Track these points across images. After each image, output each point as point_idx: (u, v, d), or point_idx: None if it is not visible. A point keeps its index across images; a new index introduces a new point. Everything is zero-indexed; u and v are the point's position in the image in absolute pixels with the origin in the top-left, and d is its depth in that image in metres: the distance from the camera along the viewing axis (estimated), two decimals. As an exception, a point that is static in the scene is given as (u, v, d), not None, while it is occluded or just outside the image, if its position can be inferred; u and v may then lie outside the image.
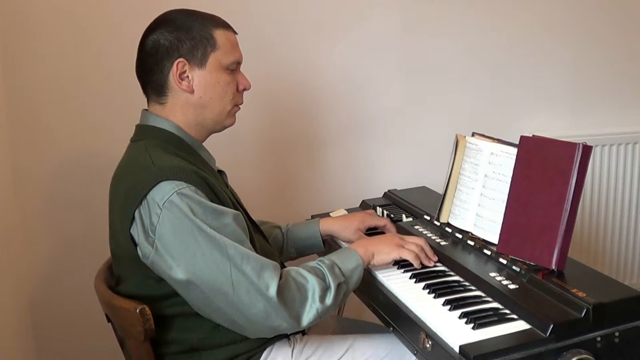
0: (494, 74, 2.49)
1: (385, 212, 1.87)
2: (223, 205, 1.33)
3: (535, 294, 1.26)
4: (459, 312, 1.25)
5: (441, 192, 1.65)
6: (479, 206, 1.52)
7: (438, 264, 1.50)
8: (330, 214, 1.93)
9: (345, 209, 1.97)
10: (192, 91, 1.40)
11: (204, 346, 1.35)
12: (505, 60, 2.49)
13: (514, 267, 1.36)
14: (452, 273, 1.45)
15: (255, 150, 2.26)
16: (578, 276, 1.30)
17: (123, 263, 1.38)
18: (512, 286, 1.30)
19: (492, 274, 1.36)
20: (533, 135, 1.42)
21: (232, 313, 1.27)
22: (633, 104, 2.68)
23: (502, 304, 1.27)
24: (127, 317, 1.31)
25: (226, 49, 1.42)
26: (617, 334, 1.16)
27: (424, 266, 1.48)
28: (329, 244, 1.74)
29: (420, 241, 1.50)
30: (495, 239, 1.45)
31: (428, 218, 1.71)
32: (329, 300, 1.31)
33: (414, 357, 1.31)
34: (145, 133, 1.43)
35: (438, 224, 1.65)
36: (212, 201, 1.30)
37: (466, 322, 1.21)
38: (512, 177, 1.42)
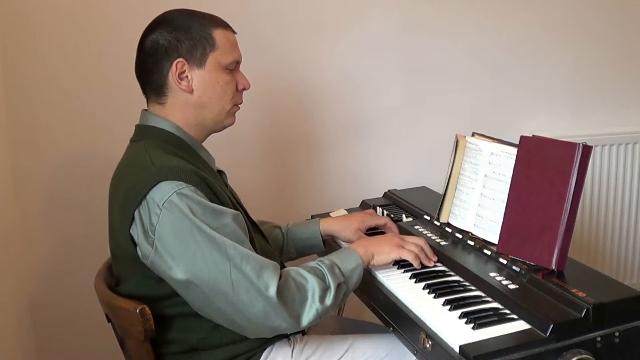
0: (494, 74, 2.49)
1: (385, 212, 1.87)
2: (223, 205, 1.33)
3: (535, 294, 1.26)
4: (459, 312, 1.25)
5: (441, 192, 1.65)
6: (479, 206, 1.52)
7: (438, 264, 1.50)
8: (330, 214, 1.93)
9: (345, 209, 1.97)
10: (191, 91, 1.40)
11: (204, 346, 1.35)
12: (505, 60, 2.49)
13: (514, 267, 1.36)
14: (452, 273, 1.45)
15: (255, 150, 2.26)
16: (578, 276, 1.30)
17: (123, 263, 1.38)
18: (512, 286, 1.30)
19: (492, 274, 1.36)
20: (533, 135, 1.42)
21: (232, 313, 1.27)
22: (633, 104, 2.68)
23: (502, 304, 1.27)
24: (127, 317, 1.31)
25: (225, 49, 1.42)
26: (617, 334, 1.16)
27: (424, 266, 1.48)
28: (329, 244, 1.74)
29: (420, 241, 1.50)
30: (495, 239, 1.45)
31: (428, 218, 1.71)
32: (328, 300, 1.31)
33: (414, 357, 1.31)
34: (144, 133, 1.43)
35: (438, 224, 1.65)
36: (211, 201, 1.30)
37: (466, 322, 1.21)
38: (512, 177, 1.42)
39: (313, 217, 1.93)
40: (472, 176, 1.55)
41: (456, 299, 1.31)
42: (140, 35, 1.42)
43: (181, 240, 1.25)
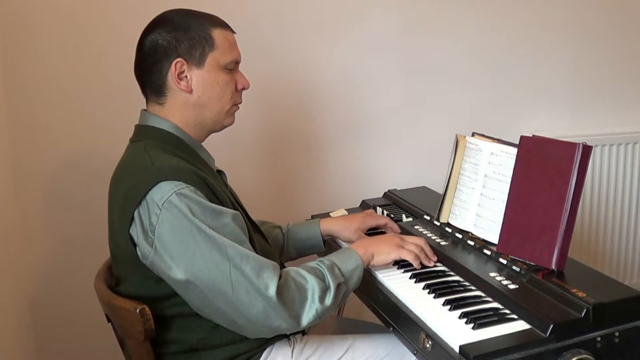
0: (494, 74, 2.49)
1: (385, 212, 1.87)
2: (222, 205, 1.33)
3: (535, 294, 1.26)
4: (459, 312, 1.25)
5: (441, 192, 1.65)
6: (479, 206, 1.52)
7: (438, 264, 1.50)
8: (331, 214, 1.93)
9: (345, 209, 1.97)
10: (190, 91, 1.40)
11: (204, 346, 1.35)
12: (505, 60, 2.49)
13: (514, 267, 1.36)
14: (452, 273, 1.45)
15: (254, 150, 2.26)
16: (578, 276, 1.30)
17: (123, 263, 1.38)
18: (512, 286, 1.30)
19: (492, 274, 1.36)
20: (533, 135, 1.42)
21: (232, 313, 1.27)
22: (633, 104, 2.68)
23: (502, 304, 1.27)
24: (127, 317, 1.31)
25: (224, 49, 1.41)
26: (617, 334, 1.16)
27: (424, 266, 1.48)
28: (330, 244, 1.74)
29: (420, 241, 1.50)
30: (495, 239, 1.45)
31: (428, 218, 1.71)
32: (328, 300, 1.31)
33: (414, 357, 1.31)
34: (144, 133, 1.43)
35: (438, 224, 1.65)
36: (211, 201, 1.30)
37: (466, 322, 1.21)
38: (512, 177, 1.42)
39: (313, 217, 1.93)
40: (472, 176, 1.55)
41: (456, 299, 1.31)
42: (140, 35, 1.42)
43: (181, 240, 1.25)
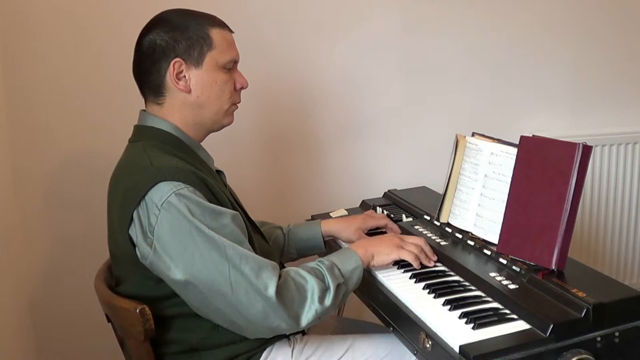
0: (494, 74, 2.49)
1: (385, 212, 1.87)
2: (221, 205, 1.33)
3: (535, 294, 1.26)
4: (459, 312, 1.25)
5: (441, 192, 1.65)
6: (479, 206, 1.52)
7: (438, 264, 1.50)
8: (331, 214, 1.93)
9: (345, 209, 1.97)
10: (189, 91, 1.40)
11: (204, 346, 1.35)
12: (505, 60, 2.49)
13: (514, 267, 1.35)
14: (452, 273, 1.45)
15: (254, 150, 2.26)
16: (578, 276, 1.30)
17: (122, 264, 1.38)
18: (512, 286, 1.30)
19: (492, 274, 1.36)
20: (533, 135, 1.42)
21: (231, 313, 1.27)
22: (633, 104, 2.68)
23: (502, 304, 1.27)
24: (127, 317, 1.31)
25: (222, 48, 1.41)
26: (617, 334, 1.16)
27: (424, 266, 1.48)
28: (330, 245, 1.74)
29: (419, 241, 1.50)
30: (495, 239, 1.45)
31: (428, 218, 1.71)
32: (328, 301, 1.31)
33: (414, 357, 1.31)
34: (143, 134, 1.43)
35: (438, 224, 1.65)
36: (210, 201, 1.30)
37: (466, 322, 1.21)
38: (512, 177, 1.42)
39: (313, 217, 1.94)
40: (472, 176, 1.55)
41: (456, 299, 1.31)
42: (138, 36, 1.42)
43: (180, 240, 1.25)
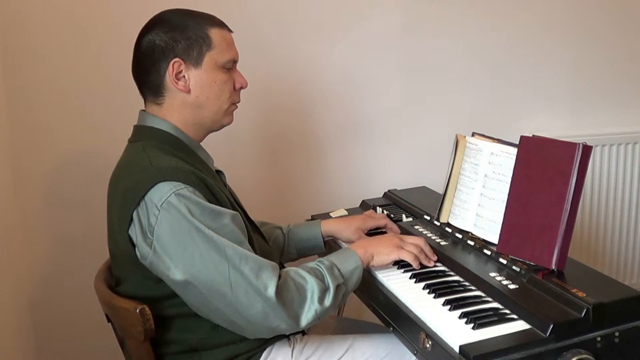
0: (494, 74, 2.49)
1: (385, 212, 1.87)
2: (221, 205, 1.33)
3: (535, 294, 1.26)
4: (459, 312, 1.25)
5: (441, 192, 1.65)
6: (479, 206, 1.52)
7: (438, 264, 1.50)
8: (331, 214, 1.93)
9: (345, 209, 1.97)
10: (188, 91, 1.40)
11: (204, 346, 1.35)
12: (505, 60, 2.49)
13: (514, 267, 1.35)
14: (452, 273, 1.45)
15: (253, 150, 2.26)
16: (578, 276, 1.30)
17: (122, 264, 1.38)
18: (512, 286, 1.30)
19: (492, 274, 1.36)
20: (533, 135, 1.42)
21: (231, 314, 1.27)
22: (633, 104, 2.68)
23: (502, 304, 1.27)
24: (127, 317, 1.31)
25: (222, 48, 1.41)
26: (617, 334, 1.16)
27: (423, 266, 1.48)
28: (330, 245, 1.74)
29: (419, 241, 1.50)
30: (495, 239, 1.45)
31: (428, 218, 1.71)
32: (327, 301, 1.31)
33: (414, 357, 1.31)
34: (142, 134, 1.43)
35: (438, 224, 1.65)
36: (210, 202, 1.30)
37: (466, 322, 1.21)
38: (512, 177, 1.42)
39: (313, 217, 1.93)
40: (472, 176, 1.55)
41: (456, 299, 1.31)
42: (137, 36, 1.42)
43: (179, 241, 1.25)
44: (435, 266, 1.49)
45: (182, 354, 1.36)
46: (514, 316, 1.22)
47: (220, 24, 1.44)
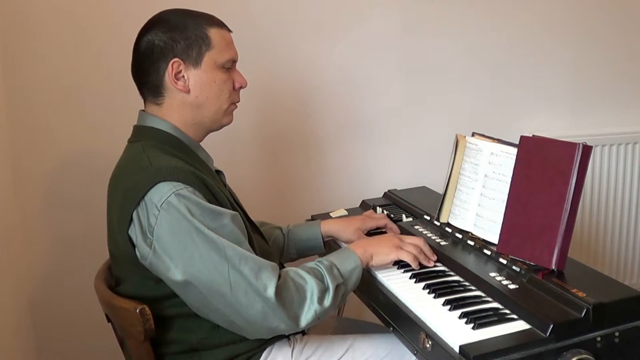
0: (494, 74, 2.49)
1: (385, 212, 1.86)
2: (221, 205, 1.33)
3: (535, 294, 1.26)
4: (459, 312, 1.25)
5: (441, 192, 1.65)
6: (479, 206, 1.52)
7: (438, 264, 1.50)
8: (331, 214, 1.93)
9: (345, 209, 1.97)
10: (188, 91, 1.40)
11: (204, 346, 1.35)
12: (505, 60, 2.49)
13: (514, 267, 1.35)
14: (452, 273, 1.45)
15: (253, 150, 2.26)
16: (578, 276, 1.30)
17: (122, 264, 1.38)
18: (512, 286, 1.30)
19: (492, 274, 1.36)
20: (533, 135, 1.42)
21: (230, 314, 1.27)
22: (633, 104, 2.68)
23: (502, 304, 1.27)
24: (127, 317, 1.31)
25: (221, 48, 1.41)
26: (617, 334, 1.16)
27: (423, 266, 1.48)
28: (330, 245, 1.74)
29: (419, 241, 1.50)
30: (495, 239, 1.45)
31: (428, 218, 1.71)
32: (327, 301, 1.31)
33: (414, 357, 1.31)
34: (142, 134, 1.43)
35: (438, 224, 1.65)
36: (209, 202, 1.30)
37: (466, 322, 1.21)
38: (512, 177, 1.42)
39: (313, 217, 1.93)
40: (472, 176, 1.55)
41: (456, 299, 1.31)
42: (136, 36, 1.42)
43: (179, 241, 1.25)
44: (435, 266, 1.49)
45: (182, 354, 1.36)
46: (514, 316, 1.22)
47: (220, 24, 1.44)
